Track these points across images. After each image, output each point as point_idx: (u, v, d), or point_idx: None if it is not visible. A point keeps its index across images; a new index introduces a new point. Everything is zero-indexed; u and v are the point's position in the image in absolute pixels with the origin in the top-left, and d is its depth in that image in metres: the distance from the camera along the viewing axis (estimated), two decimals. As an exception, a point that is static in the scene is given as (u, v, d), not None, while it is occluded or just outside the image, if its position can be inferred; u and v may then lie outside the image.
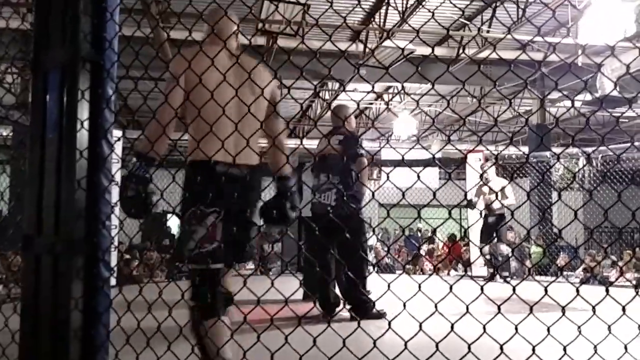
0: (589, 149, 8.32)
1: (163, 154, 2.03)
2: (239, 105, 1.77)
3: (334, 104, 9.72)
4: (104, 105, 1.61)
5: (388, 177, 1.37)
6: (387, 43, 7.89)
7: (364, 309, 3.80)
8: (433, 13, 1.25)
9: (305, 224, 4.49)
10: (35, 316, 1.54)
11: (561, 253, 9.87)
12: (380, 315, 3.62)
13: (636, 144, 5.83)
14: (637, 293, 1.16)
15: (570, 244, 8.96)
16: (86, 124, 1.58)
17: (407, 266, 10.82)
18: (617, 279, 7.21)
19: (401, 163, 1.48)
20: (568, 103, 11.89)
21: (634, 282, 7.25)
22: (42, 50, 1.64)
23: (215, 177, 1.99)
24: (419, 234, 14.31)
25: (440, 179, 11.08)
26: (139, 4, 5.90)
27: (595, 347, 1.17)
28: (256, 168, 2.13)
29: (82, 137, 1.57)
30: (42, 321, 1.53)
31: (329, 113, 12.26)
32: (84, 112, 1.58)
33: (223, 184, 1.98)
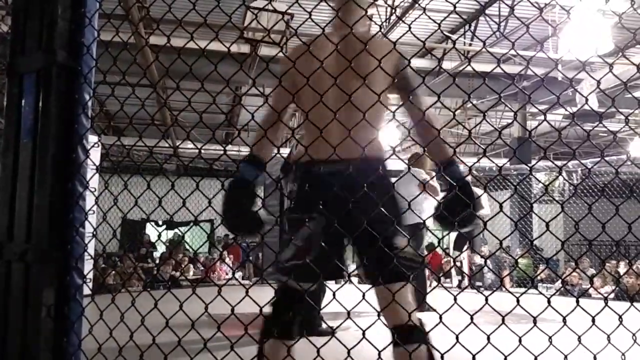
0: (570, 163, 8.45)
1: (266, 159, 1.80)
2: (346, 90, 1.54)
3: None
4: (80, 111, 1.60)
5: (365, 186, 1.38)
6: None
7: (311, 325, 3.68)
8: (410, 27, 1.27)
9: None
10: (4, 324, 1.51)
11: (541, 265, 9.98)
12: (328, 332, 3.50)
13: (609, 158, 5.93)
14: (606, 304, 1.18)
15: (543, 257, 9.07)
16: (62, 130, 1.56)
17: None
18: (585, 292, 7.29)
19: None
20: (548, 117, 12.08)
21: (607, 295, 7.35)
22: (18, 55, 1.62)
23: (314, 178, 1.71)
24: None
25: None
26: (119, 10, 5.87)
27: (565, 357, 1.18)
28: (376, 160, 1.74)
29: (57, 142, 1.56)
30: (11, 329, 1.50)
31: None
32: (59, 117, 1.56)
33: (322, 185, 1.65)
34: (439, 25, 1.46)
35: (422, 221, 4.77)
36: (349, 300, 1.35)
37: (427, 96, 1.90)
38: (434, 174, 5.37)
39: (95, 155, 5.01)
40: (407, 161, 5.42)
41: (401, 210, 1.71)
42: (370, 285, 1.60)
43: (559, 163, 7.20)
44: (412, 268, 1.63)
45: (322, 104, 1.46)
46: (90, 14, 1.63)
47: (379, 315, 1.36)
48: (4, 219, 1.56)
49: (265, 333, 1.63)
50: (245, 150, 2.16)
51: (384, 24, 8.10)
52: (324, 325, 3.75)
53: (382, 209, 1.54)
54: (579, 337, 1.20)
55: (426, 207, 4.85)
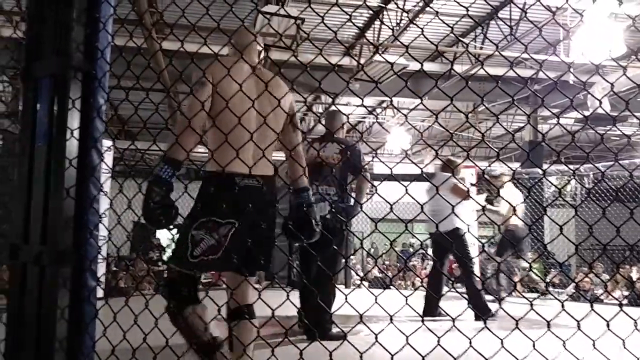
0: (582, 167, 8.38)
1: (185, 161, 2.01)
2: (258, 117, 1.80)
3: (329, 110, 9.68)
4: (94, 115, 1.61)
5: (376, 190, 1.38)
6: (380, 58, 7.96)
7: (323, 329, 3.58)
8: (422, 30, 1.27)
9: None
10: (20, 326, 1.53)
11: (552, 270, 9.90)
12: (339, 337, 3.31)
13: (623, 162, 5.86)
14: (620, 309, 1.17)
15: (556, 261, 8.98)
16: (76, 133, 1.58)
17: (399, 281, 10.81)
18: (599, 297, 7.21)
19: (391, 177, 1.49)
20: (561, 120, 12.00)
21: (621, 300, 7.25)
22: (34, 59, 1.64)
23: (234, 189, 1.98)
24: (411, 250, 14.31)
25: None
26: (132, 14, 5.93)
27: (580, 362, 1.17)
28: (272, 179, 2.13)
29: (72, 146, 1.57)
30: (27, 331, 1.51)
31: (319, 126, 12.34)
32: (74, 121, 1.58)
33: (242, 196, 1.98)
34: (452, 28, 1.45)
35: (458, 226, 4.75)
36: (361, 304, 1.35)
37: (439, 100, 1.93)
38: (465, 177, 5.31)
39: (109, 159, 5.04)
40: (438, 167, 5.36)
41: (278, 224, 2.16)
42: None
43: (571, 167, 7.13)
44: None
45: (243, 122, 1.65)
46: (104, 19, 1.64)
47: (391, 319, 1.36)
48: (19, 222, 1.57)
49: (176, 311, 1.92)
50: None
51: (395, 27, 8.11)
52: (335, 330, 3.73)
53: (274, 221, 2.08)
54: (594, 342, 1.19)
55: (462, 211, 4.79)
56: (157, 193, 1.89)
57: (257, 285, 2.18)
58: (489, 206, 6.09)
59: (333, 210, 3.87)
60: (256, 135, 1.75)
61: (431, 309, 4.81)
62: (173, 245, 2.07)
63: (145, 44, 5.92)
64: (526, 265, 6.64)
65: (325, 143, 4.01)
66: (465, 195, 4.69)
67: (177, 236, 2.05)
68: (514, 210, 5.34)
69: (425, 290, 5.52)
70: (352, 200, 4.05)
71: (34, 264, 1.52)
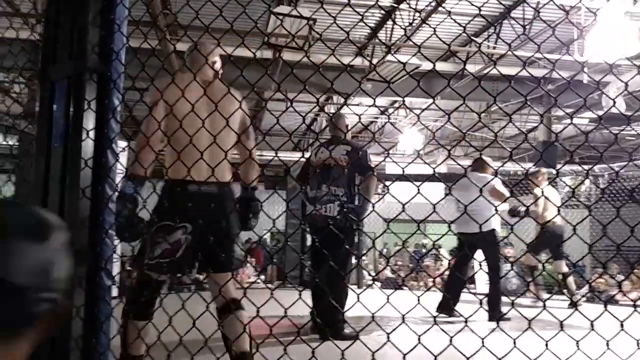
0: (596, 167, 8.29)
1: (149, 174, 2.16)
2: (211, 129, 1.91)
3: (335, 113, 9.67)
4: (109, 116, 1.64)
5: (388, 189, 1.38)
6: (393, 58, 7.95)
7: (335, 329, 3.61)
8: (435, 30, 1.27)
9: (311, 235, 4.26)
10: (36, 324, 1.55)
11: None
12: (352, 336, 3.38)
13: (639, 162, 5.79)
14: (635, 309, 1.16)
15: (571, 262, 8.89)
16: (92, 134, 1.60)
17: (411, 282, 10.78)
18: (613, 297, 7.11)
19: (404, 177, 1.49)
20: (575, 120, 11.88)
21: (637, 301, 7.15)
22: (50, 61, 1.67)
23: (187, 195, 2.13)
24: (424, 250, 14.24)
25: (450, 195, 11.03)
26: (147, 16, 5.98)
27: (593, 362, 1.17)
28: (228, 184, 2.32)
29: (88, 146, 1.60)
30: (43, 329, 1.54)
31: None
32: (89, 122, 1.60)
33: (195, 201, 2.13)
34: (464, 28, 1.46)
35: (495, 228, 4.73)
36: (373, 304, 1.35)
37: (452, 99, 1.94)
38: (497, 179, 5.26)
39: (124, 159, 5.08)
40: (470, 167, 5.33)
41: (236, 224, 2.36)
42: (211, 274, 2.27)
43: (585, 167, 7.06)
44: (238, 264, 2.35)
45: (192, 132, 1.74)
46: (119, 21, 1.67)
47: (403, 319, 1.36)
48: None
49: (126, 314, 2.08)
50: (268, 155, 2.21)
51: (408, 27, 8.09)
52: (348, 330, 3.74)
53: (230, 222, 2.26)
54: (607, 342, 1.19)
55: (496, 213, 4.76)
56: (123, 209, 2.02)
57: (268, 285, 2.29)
58: (532, 207, 6.04)
59: (344, 210, 3.93)
60: (209, 147, 1.85)
61: (448, 306, 4.77)
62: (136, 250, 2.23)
63: (160, 46, 5.97)
64: (565, 269, 6.51)
65: (333, 146, 4.08)
66: (502, 198, 4.68)
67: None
68: (554, 208, 5.28)
69: (445, 287, 5.48)
70: (361, 201, 4.09)
71: (50, 263, 1.54)
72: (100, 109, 1.61)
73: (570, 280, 6.53)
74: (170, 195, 2.15)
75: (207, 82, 2.09)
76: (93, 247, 1.57)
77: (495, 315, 4.53)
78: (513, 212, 5.77)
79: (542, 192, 6.02)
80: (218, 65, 2.41)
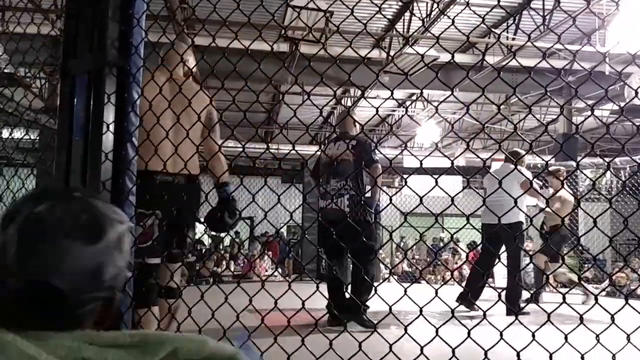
0: (618, 159, 8.15)
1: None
2: (175, 125, 1.95)
3: (341, 111, 9.68)
4: (129, 109, 1.65)
5: (406, 182, 1.38)
6: (410, 50, 7.90)
7: (356, 314, 3.77)
8: (453, 20, 1.26)
9: (320, 229, 4.33)
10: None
11: (586, 265, 9.69)
12: (370, 325, 3.49)
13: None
14: (657, 303, 1.14)
15: (590, 254, 8.76)
16: (112, 127, 1.62)
17: (428, 275, 10.75)
18: (632, 291, 7.02)
19: (422, 170, 1.49)
20: (596, 112, 11.70)
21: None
22: (71, 56, 1.69)
23: (152, 185, 2.26)
24: (441, 244, 14.17)
25: (468, 188, 10.94)
26: (165, 11, 6.02)
27: (613, 356, 1.15)
28: (194, 177, 2.46)
29: (108, 140, 1.61)
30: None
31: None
32: (109, 115, 1.62)
33: (159, 190, 2.28)
34: (483, 19, 1.45)
35: (522, 220, 4.71)
36: (390, 298, 1.35)
37: (470, 91, 1.92)
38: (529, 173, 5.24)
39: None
40: (506, 158, 5.35)
41: (192, 217, 2.52)
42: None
43: (606, 159, 6.95)
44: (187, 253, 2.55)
45: (159, 127, 1.77)
46: (138, 15, 1.68)
47: (421, 312, 1.36)
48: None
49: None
50: (284, 148, 2.21)
51: (426, 19, 8.02)
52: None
53: (184, 214, 2.41)
54: (628, 336, 1.17)
55: (523, 206, 4.77)
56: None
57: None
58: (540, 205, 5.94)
59: (354, 203, 4.09)
60: (174, 139, 1.94)
61: (468, 298, 4.73)
62: None
63: (178, 40, 6.01)
64: (564, 271, 6.41)
65: (340, 142, 4.28)
66: (533, 191, 4.66)
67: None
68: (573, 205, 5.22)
69: (468, 279, 5.45)
70: (370, 192, 4.26)
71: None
72: (119, 103, 1.63)
73: (561, 271, 6.42)
74: (142, 184, 2.24)
75: (177, 79, 2.24)
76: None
77: (515, 309, 4.50)
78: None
79: (561, 186, 5.92)
80: (191, 64, 2.55)
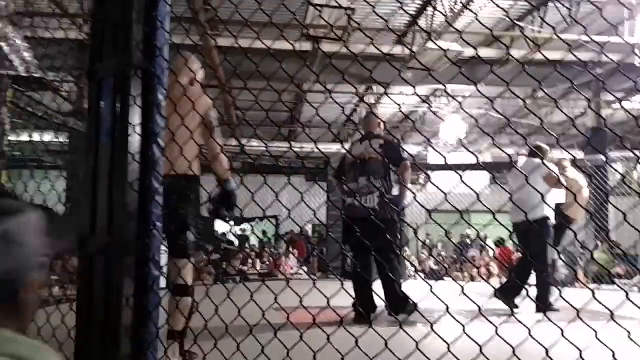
0: (647, 152, 7.95)
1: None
2: (172, 127, 2.00)
3: (365, 113, 9.64)
4: (155, 111, 1.67)
5: (430, 179, 1.37)
6: (434, 45, 7.82)
7: (404, 304, 3.86)
8: (476, 15, 1.24)
9: (344, 226, 4.39)
10: (88, 314, 1.61)
11: (617, 260, 9.48)
12: (412, 309, 3.65)
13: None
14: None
15: (621, 249, 8.55)
16: (138, 129, 1.65)
17: (455, 273, 10.65)
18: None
19: (446, 167, 1.47)
20: (625, 105, 11.42)
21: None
22: (97, 59, 1.72)
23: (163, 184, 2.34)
24: (469, 241, 14.00)
25: (495, 184, 10.82)
26: (188, 13, 6.08)
27: (646, 354, 1.13)
28: (192, 177, 2.59)
29: (134, 141, 1.64)
30: (95, 319, 1.59)
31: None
32: (135, 117, 1.65)
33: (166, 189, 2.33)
34: (507, 12, 1.42)
35: (547, 215, 4.65)
36: (416, 295, 1.35)
37: (496, 86, 1.89)
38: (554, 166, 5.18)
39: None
40: (530, 153, 5.32)
41: (193, 215, 2.65)
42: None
43: (637, 152, 6.78)
44: (190, 251, 2.62)
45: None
46: (162, 17, 1.70)
47: (447, 310, 1.35)
48: (86, 215, 1.66)
49: None
50: (308, 147, 2.21)
51: (449, 14, 7.93)
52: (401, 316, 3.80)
53: (186, 212, 2.56)
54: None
55: (549, 200, 4.71)
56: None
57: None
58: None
59: (385, 200, 4.16)
60: (170, 143, 2.02)
61: (508, 296, 4.62)
62: None
63: (201, 41, 6.06)
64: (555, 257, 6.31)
65: (367, 141, 4.35)
66: (558, 184, 4.61)
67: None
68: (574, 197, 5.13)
69: (509, 277, 5.38)
70: (398, 191, 4.35)
71: (101, 254, 1.60)
72: (145, 105, 1.65)
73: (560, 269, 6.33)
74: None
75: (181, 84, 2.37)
76: (141, 239, 1.62)
77: (544, 306, 4.43)
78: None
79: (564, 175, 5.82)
80: (197, 71, 2.61)
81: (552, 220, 4.90)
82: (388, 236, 3.70)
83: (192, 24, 6.35)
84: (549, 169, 4.62)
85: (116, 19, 1.69)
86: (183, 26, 1.69)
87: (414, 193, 4.26)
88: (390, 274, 4.01)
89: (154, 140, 1.65)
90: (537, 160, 4.93)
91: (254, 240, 13.95)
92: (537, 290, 4.73)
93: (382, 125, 4.75)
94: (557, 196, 5.25)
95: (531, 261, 5.01)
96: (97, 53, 1.72)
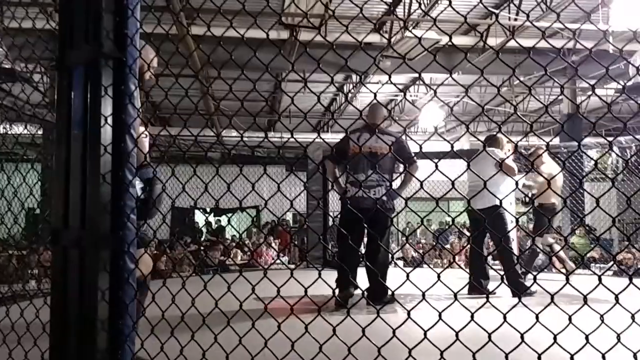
0: (623, 138, 8.08)
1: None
2: None
3: (370, 103, 9.67)
4: (126, 101, 1.64)
5: (406, 167, 1.37)
6: (411, 34, 7.83)
7: (383, 294, 4.04)
8: (450, 2, 1.24)
9: (346, 215, 4.55)
10: (63, 307, 1.59)
11: (592, 244, 9.67)
12: (390, 300, 3.79)
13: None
14: (661, 282, 1.14)
15: (595, 235, 8.71)
16: (110, 120, 1.61)
17: (435, 260, 10.76)
18: (638, 270, 7.02)
19: (422, 155, 1.47)
20: (598, 92, 11.60)
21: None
22: (67, 49, 1.68)
23: None
24: (447, 227, 14.16)
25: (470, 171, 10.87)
26: (160, 1, 5.98)
27: (618, 335, 1.15)
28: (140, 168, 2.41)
29: (107, 132, 1.61)
30: (70, 312, 1.57)
31: (350, 107, 12.26)
32: (107, 108, 1.61)
33: None
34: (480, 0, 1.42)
35: (498, 203, 4.75)
36: (395, 282, 1.35)
37: (474, 74, 1.90)
38: (510, 154, 5.30)
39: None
40: (483, 142, 5.44)
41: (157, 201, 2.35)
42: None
43: (609, 138, 6.90)
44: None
45: None
46: (132, 6, 1.66)
47: (423, 296, 1.36)
48: (59, 207, 1.63)
49: None
50: (287, 137, 2.17)
51: (426, 1, 7.94)
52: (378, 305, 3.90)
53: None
54: (633, 316, 1.17)
55: (503, 189, 4.79)
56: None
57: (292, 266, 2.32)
58: (524, 181, 5.97)
59: (390, 193, 4.41)
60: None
61: (475, 287, 4.77)
62: None
63: (174, 30, 5.97)
64: (551, 241, 6.45)
65: (380, 135, 4.47)
66: (514, 172, 4.73)
67: None
68: (549, 184, 5.22)
69: (469, 269, 5.46)
70: (397, 185, 4.70)
71: (75, 248, 1.58)
72: (117, 95, 1.62)
73: (562, 254, 6.50)
74: None
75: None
76: (116, 232, 1.59)
77: (519, 290, 4.51)
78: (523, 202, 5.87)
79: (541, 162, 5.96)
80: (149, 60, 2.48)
81: (505, 207, 4.96)
82: (387, 225, 4.13)
83: (165, 11, 6.25)
84: (493, 157, 4.71)
85: (86, 7, 1.65)
86: (154, 14, 1.65)
87: (389, 181, 4.47)
88: (380, 260, 4.33)
89: (126, 131, 1.62)
90: (495, 150, 5.06)
91: (234, 231, 13.91)
92: (506, 276, 4.85)
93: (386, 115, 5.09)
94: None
95: (477, 248, 5.15)
96: (66, 41, 1.68)
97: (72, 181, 1.61)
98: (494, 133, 5.52)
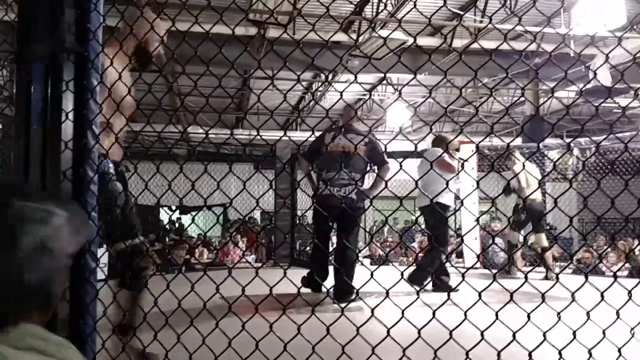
0: (583, 140, 8.32)
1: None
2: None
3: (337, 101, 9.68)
4: (88, 96, 1.61)
5: (372, 167, 1.38)
6: (380, 33, 7.88)
7: (348, 293, 4.04)
8: (415, 3, 1.25)
9: (316, 213, 4.67)
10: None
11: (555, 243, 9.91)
12: (354, 299, 3.80)
13: (623, 134, 5.82)
14: (615, 280, 1.18)
15: (553, 234, 8.95)
16: (71, 115, 1.58)
17: (400, 258, 10.87)
18: (594, 267, 7.26)
19: (389, 155, 1.49)
20: (561, 94, 11.91)
21: (616, 272, 7.26)
22: (26, 42, 1.63)
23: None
24: (413, 227, 14.28)
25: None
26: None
27: (574, 332, 1.18)
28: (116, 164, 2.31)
29: (67, 128, 1.57)
30: (28, 312, 1.53)
31: (317, 107, 12.29)
32: (68, 103, 1.58)
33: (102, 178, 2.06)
34: (445, 2, 1.45)
35: (439, 201, 4.85)
36: (361, 280, 1.36)
37: (440, 75, 1.93)
38: (457, 154, 5.45)
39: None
40: (432, 143, 5.62)
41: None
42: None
43: (568, 140, 7.11)
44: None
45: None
46: (95, 0, 1.63)
47: (387, 294, 1.37)
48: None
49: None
50: (254, 134, 2.15)
51: (394, 2, 8.00)
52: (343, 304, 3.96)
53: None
54: (588, 313, 1.21)
55: (450, 186, 4.88)
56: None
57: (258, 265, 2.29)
58: (513, 184, 6.19)
59: (361, 192, 4.47)
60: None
61: (418, 278, 4.86)
62: None
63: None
64: (546, 243, 6.59)
65: (353, 135, 4.62)
66: (452, 170, 4.86)
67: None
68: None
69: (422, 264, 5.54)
70: (368, 185, 4.74)
71: (33, 246, 1.53)
72: (78, 90, 1.59)
73: (548, 254, 6.66)
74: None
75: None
76: (76, 230, 1.56)
77: (415, 283, 4.67)
78: (505, 191, 6.07)
79: (523, 166, 6.14)
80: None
81: (447, 206, 5.06)
82: (355, 223, 4.26)
83: (128, 4, 6.10)
84: (430, 157, 4.85)
85: (46, 1, 1.61)
86: (117, 9, 1.62)
87: (355, 180, 4.57)
88: (348, 258, 4.42)
89: (88, 127, 1.59)
90: (436, 150, 5.20)
91: (199, 230, 13.75)
92: (418, 266, 5.04)
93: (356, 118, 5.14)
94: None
95: (431, 244, 5.28)
96: (26, 35, 1.64)
97: (31, 177, 1.57)
98: (441, 133, 5.75)
